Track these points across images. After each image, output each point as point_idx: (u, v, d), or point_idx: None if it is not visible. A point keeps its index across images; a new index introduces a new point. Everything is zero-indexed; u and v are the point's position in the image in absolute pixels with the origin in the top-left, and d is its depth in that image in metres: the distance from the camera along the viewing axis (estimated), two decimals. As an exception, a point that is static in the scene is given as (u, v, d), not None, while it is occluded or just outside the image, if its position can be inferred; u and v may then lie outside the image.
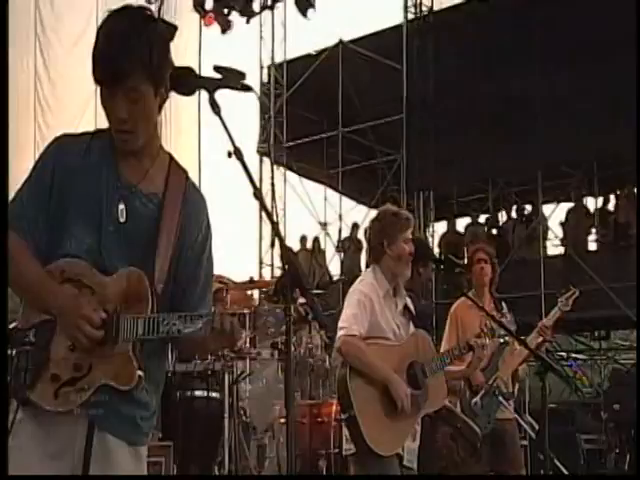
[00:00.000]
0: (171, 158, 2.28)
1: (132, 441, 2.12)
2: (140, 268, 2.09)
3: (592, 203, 12.75)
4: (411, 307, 3.85)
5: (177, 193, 2.19)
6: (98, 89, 2.09)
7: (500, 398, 4.52)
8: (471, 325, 4.47)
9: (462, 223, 14.43)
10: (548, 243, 12.46)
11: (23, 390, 1.99)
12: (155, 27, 2.12)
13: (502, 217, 13.76)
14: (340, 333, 3.52)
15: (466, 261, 5.64)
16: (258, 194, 2.00)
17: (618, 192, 12.24)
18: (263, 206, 2.04)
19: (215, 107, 2.01)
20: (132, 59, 2.03)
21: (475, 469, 4.37)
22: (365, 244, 15.54)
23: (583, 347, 13.03)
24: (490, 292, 4.86)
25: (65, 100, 11.60)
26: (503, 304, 4.83)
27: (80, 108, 11.33)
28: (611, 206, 12.47)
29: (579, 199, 12.28)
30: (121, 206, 2.12)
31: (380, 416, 3.45)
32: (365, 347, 3.51)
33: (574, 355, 12.81)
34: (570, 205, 12.31)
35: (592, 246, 12.39)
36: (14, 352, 2.01)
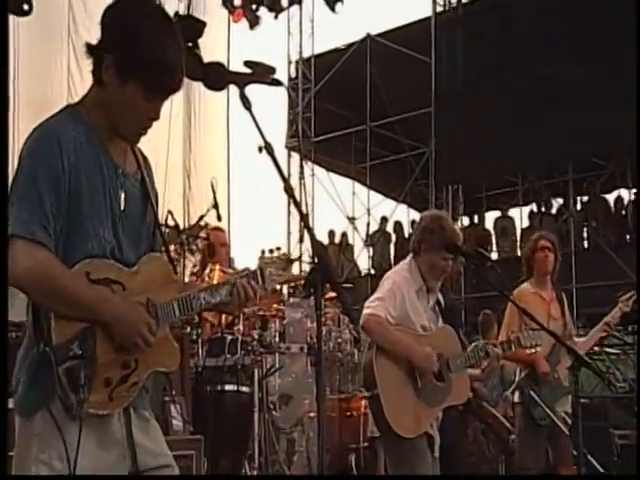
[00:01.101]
0: None
1: (148, 407, 2.18)
2: (145, 249, 2.17)
3: (626, 195, 12.57)
4: (442, 302, 3.85)
5: (143, 166, 2.23)
6: (138, 87, 2.01)
7: (532, 393, 4.44)
8: (534, 312, 4.45)
9: (488, 217, 14.36)
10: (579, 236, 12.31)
11: (81, 407, 1.93)
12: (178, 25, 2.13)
13: (532, 210, 13.61)
14: (365, 312, 3.55)
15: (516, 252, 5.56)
16: (289, 189, 2.01)
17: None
18: (294, 201, 2.04)
19: (246, 102, 2.01)
20: (182, 66, 2.07)
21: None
22: (394, 236, 15.34)
23: (616, 341, 12.86)
24: (552, 281, 4.81)
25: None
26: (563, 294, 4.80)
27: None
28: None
29: (610, 191, 12.11)
30: (122, 194, 2.12)
31: (403, 397, 3.46)
32: (389, 325, 3.52)
33: (607, 349, 12.65)
34: (601, 198, 12.14)
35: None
36: (60, 369, 1.91)
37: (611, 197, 12.34)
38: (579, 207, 12.48)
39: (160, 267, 2.17)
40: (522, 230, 13.06)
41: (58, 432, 1.92)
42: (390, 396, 3.47)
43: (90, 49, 2.06)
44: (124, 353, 2.03)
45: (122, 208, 2.11)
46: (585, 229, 12.28)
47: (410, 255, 3.77)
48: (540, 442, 4.43)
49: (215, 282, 5.38)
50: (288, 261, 2.35)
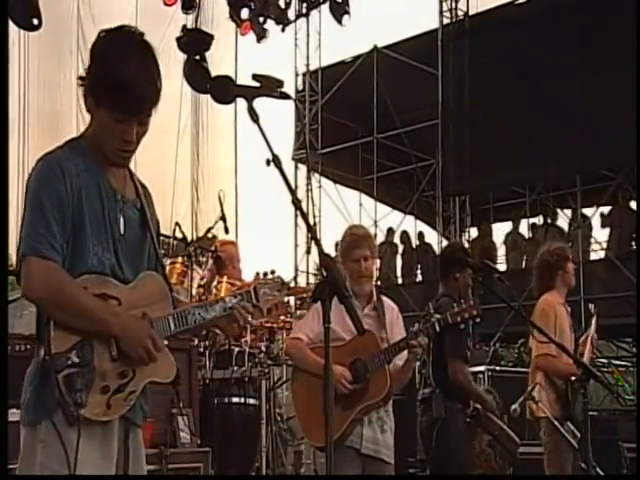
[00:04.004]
0: None
1: (142, 425, 2.27)
2: (142, 269, 2.26)
3: (633, 206, 12.52)
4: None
5: (143, 194, 2.33)
6: (106, 109, 2.10)
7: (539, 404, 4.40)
8: (564, 324, 4.45)
9: (495, 228, 14.34)
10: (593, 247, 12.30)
11: (78, 410, 2.01)
12: (154, 50, 2.20)
13: (539, 222, 13.59)
14: (288, 336, 3.81)
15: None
16: (296, 201, 2.01)
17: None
18: (301, 213, 2.05)
19: (253, 115, 2.03)
20: (156, 89, 2.14)
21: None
22: (401, 247, 15.29)
23: (625, 353, 12.81)
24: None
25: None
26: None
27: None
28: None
29: (619, 202, 12.07)
30: (121, 218, 2.22)
31: (316, 410, 3.50)
32: (304, 347, 3.75)
33: (615, 362, 12.60)
34: (611, 209, 12.10)
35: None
36: (59, 377, 2.00)
37: (620, 208, 12.27)
38: (596, 217, 12.41)
39: (156, 284, 2.27)
40: (525, 241, 13.02)
41: (60, 439, 2.00)
42: (304, 412, 3.75)
43: (78, 80, 2.20)
44: (122, 363, 2.11)
45: (122, 232, 2.21)
46: (594, 240, 12.24)
47: None
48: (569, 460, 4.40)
49: (222, 295, 5.40)
50: (282, 284, 2.45)
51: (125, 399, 2.10)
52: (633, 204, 12.21)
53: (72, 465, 1.98)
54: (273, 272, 2.56)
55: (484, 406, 4.45)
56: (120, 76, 2.08)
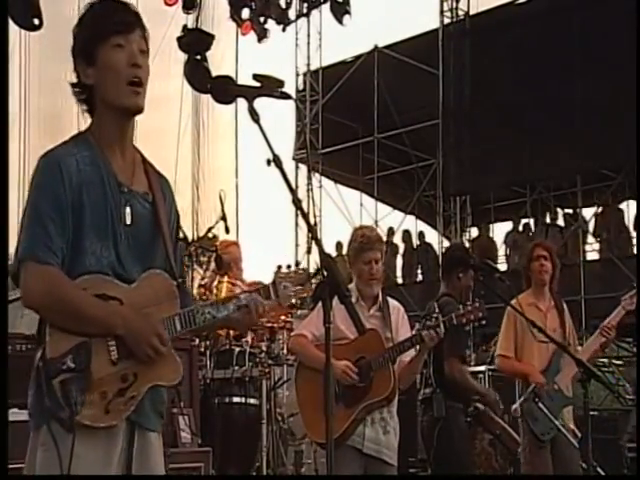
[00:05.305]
0: (140, 153, 2.28)
1: (159, 429, 2.18)
2: (152, 267, 2.15)
3: (633, 206, 12.53)
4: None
5: (158, 189, 2.22)
6: (104, 46, 2.11)
7: (540, 404, 4.38)
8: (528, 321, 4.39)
9: (496, 228, 14.35)
10: (587, 247, 12.28)
11: (73, 416, 1.96)
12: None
13: (539, 222, 13.58)
14: (292, 333, 3.79)
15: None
16: (297, 201, 2.01)
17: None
18: (302, 213, 2.04)
19: (254, 115, 2.02)
20: (137, 13, 2.17)
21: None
22: (402, 247, 15.26)
23: (626, 353, 12.78)
24: (551, 290, 4.68)
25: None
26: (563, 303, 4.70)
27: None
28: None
29: (620, 202, 12.08)
30: (127, 209, 2.13)
31: (320, 405, 3.50)
32: (309, 343, 3.76)
33: (616, 361, 12.58)
34: (610, 209, 12.10)
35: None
36: (55, 382, 1.95)
37: (619, 208, 12.29)
38: (588, 217, 12.44)
39: (161, 283, 2.15)
40: (525, 241, 13.00)
41: (55, 444, 1.96)
42: (308, 408, 3.73)
43: (73, 85, 2.20)
44: (122, 367, 2.04)
45: (128, 222, 2.12)
46: (597, 239, 12.23)
47: None
48: (545, 459, 4.36)
49: (223, 294, 5.39)
50: (307, 276, 2.31)
51: (125, 404, 2.03)
52: (623, 205, 12.24)
53: (66, 471, 1.93)
54: (298, 264, 2.47)
55: (484, 400, 4.45)
56: (98, 18, 2.14)
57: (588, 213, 12.38)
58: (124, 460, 2.07)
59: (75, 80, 2.19)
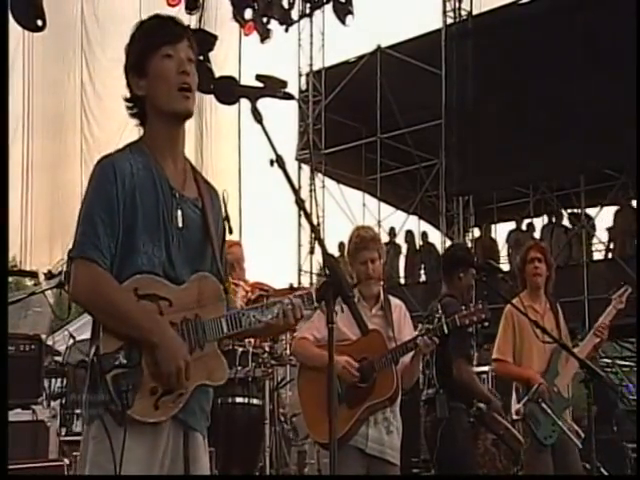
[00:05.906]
0: (190, 163, 2.38)
1: (204, 431, 2.26)
2: (201, 270, 2.23)
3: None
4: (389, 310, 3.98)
5: (207, 197, 2.31)
6: (154, 57, 2.21)
7: (544, 405, 4.38)
8: (527, 326, 4.36)
9: (499, 228, 14.34)
10: (592, 248, 12.27)
11: (125, 410, 2.02)
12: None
13: (543, 222, 13.57)
14: (294, 337, 3.83)
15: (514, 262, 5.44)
16: (299, 201, 2.01)
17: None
18: (305, 213, 2.05)
19: (257, 115, 2.03)
20: (183, 25, 2.30)
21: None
22: (404, 247, 15.23)
23: (629, 353, 12.78)
24: (546, 292, 4.63)
25: (110, 112, 11.82)
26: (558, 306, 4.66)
27: (125, 119, 11.47)
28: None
29: (623, 202, 12.05)
30: (179, 212, 2.21)
31: (323, 406, 3.49)
32: (310, 344, 3.78)
33: (619, 362, 12.57)
34: (615, 209, 12.09)
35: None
36: (108, 377, 2.02)
37: (624, 208, 12.25)
38: (600, 217, 12.39)
39: (210, 285, 2.23)
40: (528, 241, 12.98)
41: (108, 437, 2.02)
42: (310, 409, 3.74)
43: (126, 100, 2.30)
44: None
45: (180, 225, 2.20)
46: (598, 240, 12.23)
47: None
48: (545, 462, 4.35)
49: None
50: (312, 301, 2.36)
51: (174, 401, 2.09)
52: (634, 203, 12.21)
53: (118, 463, 1.99)
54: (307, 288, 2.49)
55: (489, 406, 4.44)
56: (148, 32, 2.25)
57: (592, 213, 12.37)
58: (169, 462, 2.11)
59: (128, 95, 2.28)
